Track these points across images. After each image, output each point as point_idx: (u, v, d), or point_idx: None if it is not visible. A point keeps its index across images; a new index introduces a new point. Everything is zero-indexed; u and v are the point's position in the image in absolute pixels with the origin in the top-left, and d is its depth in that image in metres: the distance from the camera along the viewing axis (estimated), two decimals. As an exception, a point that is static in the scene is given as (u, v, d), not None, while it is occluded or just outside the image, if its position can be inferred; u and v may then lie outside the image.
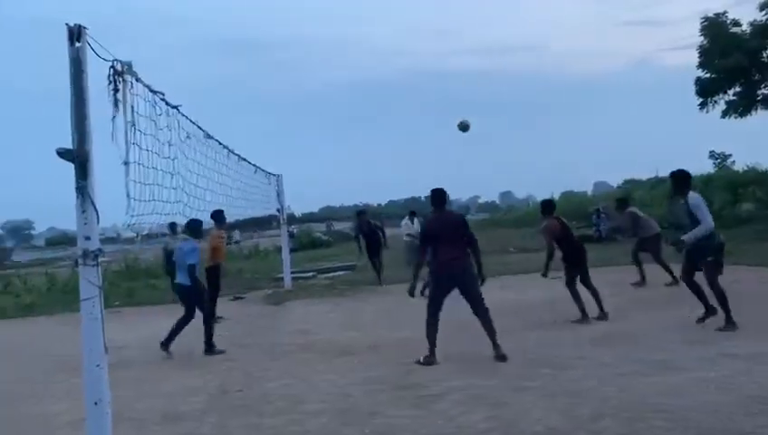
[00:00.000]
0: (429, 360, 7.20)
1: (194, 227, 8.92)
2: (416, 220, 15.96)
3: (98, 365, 3.50)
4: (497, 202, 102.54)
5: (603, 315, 9.12)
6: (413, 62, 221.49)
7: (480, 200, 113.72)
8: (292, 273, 16.31)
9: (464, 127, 9.68)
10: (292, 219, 30.93)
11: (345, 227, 40.31)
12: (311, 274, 18.12)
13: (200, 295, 8.94)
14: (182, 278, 8.96)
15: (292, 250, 18.12)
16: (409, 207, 23.81)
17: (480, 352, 7.39)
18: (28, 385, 7.86)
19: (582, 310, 9.07)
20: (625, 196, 18.73)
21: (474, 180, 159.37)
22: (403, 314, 7.40)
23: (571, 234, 9.65)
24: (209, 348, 8.77)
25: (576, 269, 9.31)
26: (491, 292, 11.41)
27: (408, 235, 16.00)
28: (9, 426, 6.19)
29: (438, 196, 7.60)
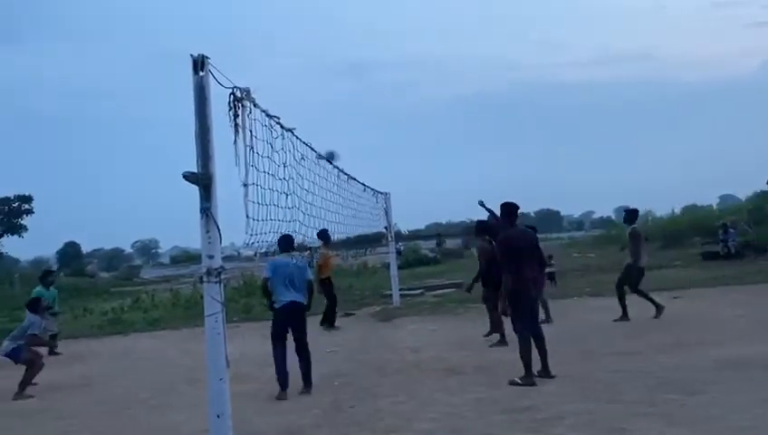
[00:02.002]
0: (528, 380, 6.97)
1: (289, 243, 7.88)
2: None
3: (221, 379, 3.65)
4: (613, 217, 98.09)
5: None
6: (520, 76, 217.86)
7: (594, 216, 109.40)
8: (400, 290, 16.39)
9: (330, 157, 9.32)
10: (399, 236, 31.18)
11: (454, 243, 39.98)
12: (419, 291, 18.12)
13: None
14: (298, 296, 7.91)
15: (399, 267, 18.21)
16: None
17: (597, 374, 7.06)
18: (154, 395, 8.36)
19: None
20: None
21: (587, 195, 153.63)
22: (513, 335, 7.27)
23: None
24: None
25: (494, 294, 9.26)
26: (597, 313, 11.00)
27: None
28: (139, 432, 6.58)
29: (513, 210, 7.47)
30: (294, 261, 7.95)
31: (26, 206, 58.73)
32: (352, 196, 12.55)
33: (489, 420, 5.89)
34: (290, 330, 7.83)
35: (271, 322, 7.92)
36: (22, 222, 58.54)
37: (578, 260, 23.33)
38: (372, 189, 14.99)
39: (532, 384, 6.90)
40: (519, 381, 6.98)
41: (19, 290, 27.71)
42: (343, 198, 11.15)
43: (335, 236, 12.18)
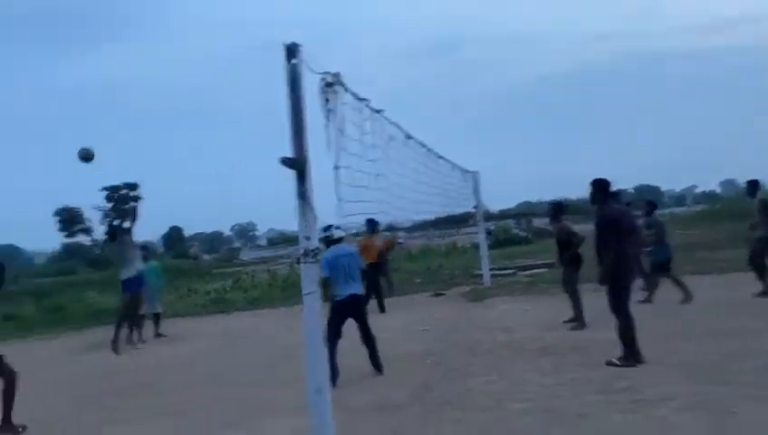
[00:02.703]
0: (628, 361, 6.77)
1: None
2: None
3: (318, 355, 3.80)
4: (718, 191, 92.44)
5: None
6: (617, 46, 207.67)
7: (697, 190, 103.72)
8: (490, 270, 16.26)
9: (85, 156, 8.72)
10: (488, 216, 30.82)
11: (542, 223, 39.15)
12: (510, 271, 17.92)
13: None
14: (357, 287, 7.82)
15: (489, 247, 18.04)
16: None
17: (701, 355, 6.77)
18: (254, 371, 8.76)
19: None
20: None
21: (689, 169, 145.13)
22: (609, 315, 7.03)
23: None
24: None
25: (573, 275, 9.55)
26: (701, 292, 10.45)
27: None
28: (238, 408, 6.94)
29: (605, 186, 7.22)
30: (347, 250, 7.89)
31: (133, 193, 62.57)
32: (440, 175, 12.53)
33: (584, 401, 5.79)
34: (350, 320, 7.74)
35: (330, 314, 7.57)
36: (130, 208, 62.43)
37: (680, 237, 22.25)
38: (460, 168, 14.90)
39: (632, 365, 6.70)
40: (617, 362, 6.80)
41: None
42: (431, 178, 11.16)
43: (422, 216, 12.24)
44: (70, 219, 60.47)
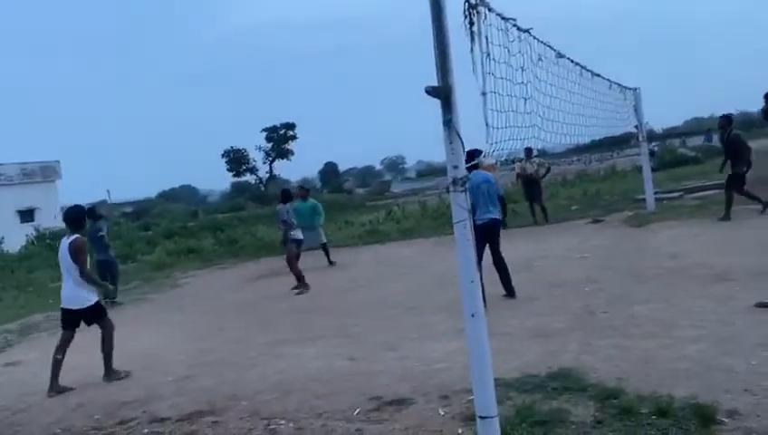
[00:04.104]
0: None
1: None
2: None
3: (472, 281, 3.82)
4: None
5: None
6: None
7: None
8: (655, 193, 15.25)
9: None
10: (652, 136, 28.69)
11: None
12: (676, 194, 16.69)
13: None
14: (496, 212, 8.19)
15: (653, 169, 16.85)
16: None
17: None
18: (411, 298, 9.06)
19: None
20: None
21: None
22: None
23: None
24: None
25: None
26: None
27: None
28: (398, 331, 7.24)
29: None
30: (486, 176, 8.07)
31: (291, 132, 65.84)
32: (596, 94, 11.77)
33: (764, 331, 5.36)
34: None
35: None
36: (288, 147, 65.90)
37: None
38: (619, 85, 13.88)
39: None
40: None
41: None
42: (586, 99, 10.51)
43: (578, 139, 11.61)
44: (236, 160, 65.13)
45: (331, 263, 13.95)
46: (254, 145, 65.10)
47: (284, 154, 65.98)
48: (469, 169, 7.46)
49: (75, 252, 6.79)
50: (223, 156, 64.96)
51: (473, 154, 7.38)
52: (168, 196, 70.93)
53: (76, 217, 7.10)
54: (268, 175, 66.09)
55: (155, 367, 7.11)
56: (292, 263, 11.44)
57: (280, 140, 65.56)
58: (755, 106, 33.72)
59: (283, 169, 68.11)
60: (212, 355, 7.36)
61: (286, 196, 12.25)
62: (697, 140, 38.78)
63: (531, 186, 15.86)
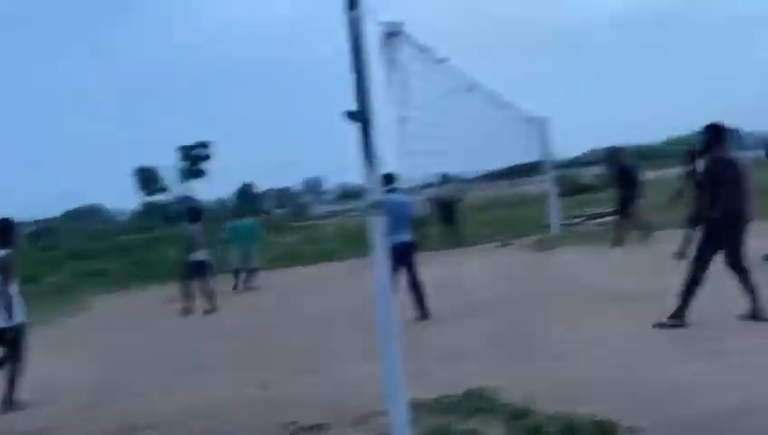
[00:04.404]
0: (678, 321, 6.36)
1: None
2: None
3: (387, 303, 3.91)
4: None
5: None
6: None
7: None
8: (559, 219, 15.99)
9: None
10: (556, 164, 29.93)
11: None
12: (579, 219, 17.58)
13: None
14: (405, 235, 8.11)
15: (560, 195, 17.67)
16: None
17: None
18: (328, 320, 9.00)
19: None
20: None
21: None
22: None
23: None
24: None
25: None
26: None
27: None
28: (311, 354, 7.18)
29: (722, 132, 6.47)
30: (400, 198, 8.04)
31: (205, 152, 64.32)
32: (506, 123, 12.31)
33: (663, 351, 5.73)
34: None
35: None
36: (201, 167, 64.34)
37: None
38: (528, 116, 14.56)
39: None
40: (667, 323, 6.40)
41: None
42: (496, 127, 10.98)
43: (488, 166, 12.08)
44: (147, 179, 62.91)
45: (236, 288, 13.31)
46: (168, 164, 63.20)
47: (198, 174, 64.37)
48: (387, 192, 7.65)
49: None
50: (133, 175, 62.71)
51: (390, 178, 7.50)
52: (73, 215, 67.43)
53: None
54: (183, 195, 64.20)
55: (57, 395, 6.72)
56: (187, 284, 10.87)
57: (194, 159, 63.94)
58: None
59: (199, 188, 66.40)
60: (117, 383, 7.04)
61: (195, 215, 11.42)
62: (596, 169, 40.88)
63: (446, 210, 16.25)
